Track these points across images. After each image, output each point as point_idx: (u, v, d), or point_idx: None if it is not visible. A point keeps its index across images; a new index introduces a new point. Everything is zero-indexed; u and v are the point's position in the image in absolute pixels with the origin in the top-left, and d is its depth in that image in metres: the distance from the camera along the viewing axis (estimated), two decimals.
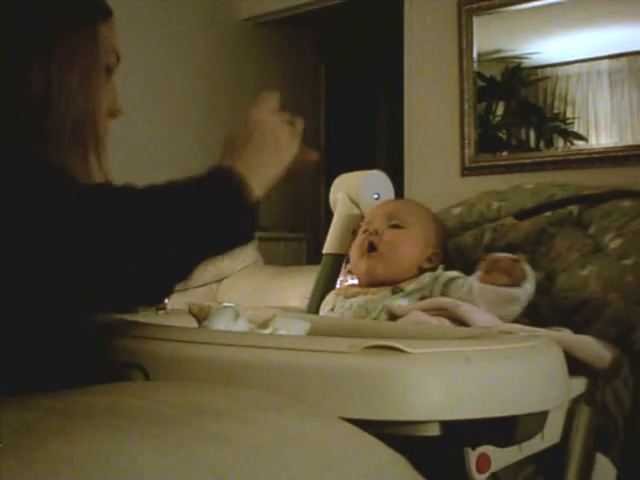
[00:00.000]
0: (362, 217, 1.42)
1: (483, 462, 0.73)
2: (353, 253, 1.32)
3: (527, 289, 1.11)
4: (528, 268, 1.13)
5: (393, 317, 1.12)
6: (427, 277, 1.21)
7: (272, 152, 0.85)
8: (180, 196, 0.76)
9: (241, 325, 0.79)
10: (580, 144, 2.77)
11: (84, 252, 0.68)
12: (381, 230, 1.26)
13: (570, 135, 2.80)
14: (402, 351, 0.61)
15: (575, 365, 0.94)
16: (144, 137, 3.37)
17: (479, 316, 1.04)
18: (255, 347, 0.68)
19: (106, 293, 0.71)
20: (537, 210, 1.37)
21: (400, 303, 1.15)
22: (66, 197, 0.70)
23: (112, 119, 0.88)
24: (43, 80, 0.78)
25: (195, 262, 0.75)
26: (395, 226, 1.27)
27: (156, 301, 0.76)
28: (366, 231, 1.30)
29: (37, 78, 0.78)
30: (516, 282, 1.10)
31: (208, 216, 0.75)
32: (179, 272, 0.75)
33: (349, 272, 1.38)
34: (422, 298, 1.18)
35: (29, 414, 0.53)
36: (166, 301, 1.00)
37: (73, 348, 0.77)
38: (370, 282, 1.26)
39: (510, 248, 1.35)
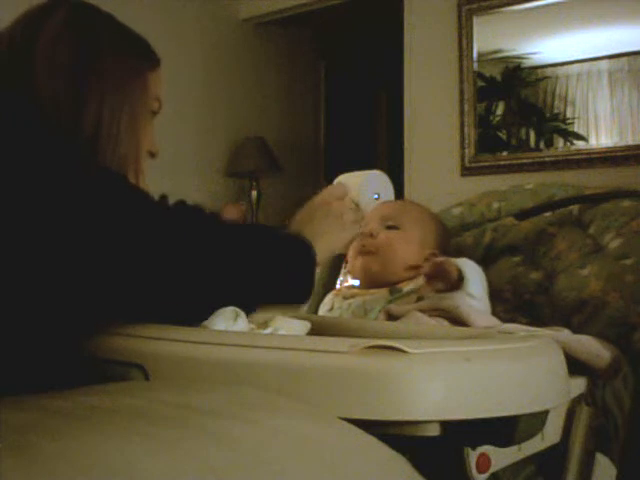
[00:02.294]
0: (362, 217, 1.42)
1: (483, 462, 0.72)
2: (349, 255, 1.32)
3: (467, 291, 1.11)
4: (463, 266, 1.13)
5: (392, 318, 1.12)
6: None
7: (333, 229, 0.93)
8: (262, 234, 0.83)
9: (241, 325, 0.79)
10: (580, 144, 2.77)
11: (164, 266, 0.72)
12: (376, 232, 1.26)
13: (570, 135, 2.80)
14: (402, 351, 0.61)
15: (575, 365, 0.95)
16: None
17: (478, 317, 1.04)
18: (255, 347, 0.68)
19: (159, 305, 0.76)
20: (537, 210, 1.37)
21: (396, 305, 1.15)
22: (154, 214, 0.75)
23: (150, 159, 0.94)
24: (94, 118, 0.83)
25: (251, 298, 0.81)
26: (391, 227, 1.27)
27: (199, 319, 0.80)
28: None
29: (89, 115, 0.82)
30: (454, 285, 1.11)
31: (281, 261, 0.82)
32: (235, 300, 0.80)
33: (349, 272, 1.38)
34: (420, 298, 1.18)
35: (29, 414, 0.53)
36: None
37: (73, 348, 0.77)
38: (366, 280, 1.26)
39: (510, 248, 1.35)
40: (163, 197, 0.80)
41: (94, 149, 0.82)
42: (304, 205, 0.96)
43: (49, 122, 0.79)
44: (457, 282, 1.11)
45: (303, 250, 0.85)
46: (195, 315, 0.78)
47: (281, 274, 0.82)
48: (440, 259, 1.13)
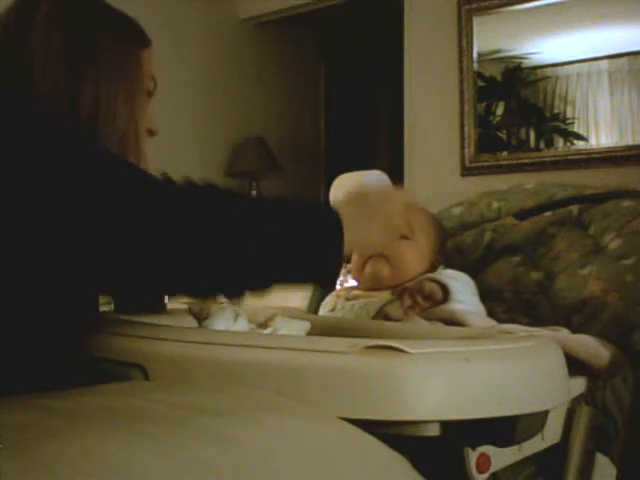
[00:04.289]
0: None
1: (483, 462, 0.72)
2: (355, 260, 1.30)
3: (455, 299, 1.11)
4: (445, 279, 1.13)
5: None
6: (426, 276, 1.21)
7: (379, 223, 0.85)
8: (284, 211, 0.77)
9: (241, 325, 0.78)
10: (580, 144, 2.77)
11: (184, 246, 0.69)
12: None
13: (570, 135, 2.80)
14: (402, 351, 0.61)
15: (575, 365, 0.95)
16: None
17: (475, 319, 1.04)
18: (255, 347, 0.68)
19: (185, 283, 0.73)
20: (537, 210, 1.37)
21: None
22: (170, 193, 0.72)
23: (150, 137, 0.94)
24: (91, 100, 0.82)
25: (270, 277, 0.76)
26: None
27: (234, 296, 0.77)
28: None
29: (86, 98, 0.82)
30: (438, 300, 1.11)
31: (302, 239, 0.76)
32: (252, 279, 0.75)
33: (349, 272, 1.38)
34: None
35: (29, 414, 0.53)
36: (166, 301, 1.01)
37: (74, 348, 0.77)
38: (375, 287, 1.25)
39: (510, 248, 1.35)
40: (163, 175, 0.77)
41: (92, 129, 0.82)
42: (364, 190, 0.88)
43: (47, 113, 0.78)
44: (444, 295, 1.12)
45: (329, 231, 0.77)
46: (205, 293, 0.76)
47: (299, 254, 0.75)
48: (419, 281, 1.14)
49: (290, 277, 0.77)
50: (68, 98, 0.81)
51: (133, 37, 0.90)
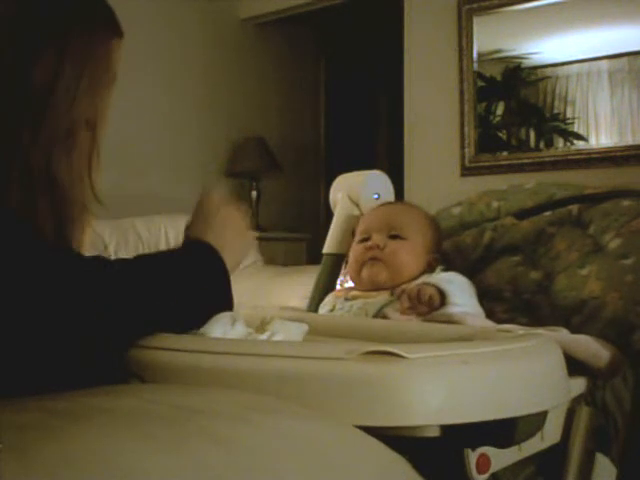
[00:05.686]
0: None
1: (483, 462, 0.73)
2: (352, 263, 1.30)
3: (452, 302, 1.11)
4: (440, 282, 1.13)
5: None
6: (423, 279, 1.21)
7: (236, 239, 0.89)
8: (167, 271, 0.80)
9: (238, 330, 0.78)
10: (580, 144, 2.77)
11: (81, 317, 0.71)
12: (382, 243, 1.25)
13: (570, 135, 2.81)
14: (400, 356, 0.61)
15: (575, 365, 0.95)
16: (144, 137, 3.37)
17: (474, 320, 1.04)
18: (253, 355, 0.67)
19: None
20: (537, 210, 1.37)
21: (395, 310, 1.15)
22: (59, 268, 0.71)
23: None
24: (50, 75, 0.78)
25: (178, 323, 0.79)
26: (395, 236, 1.26)
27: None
28: (364, 240, 1.28)
29: (43, 71, 0.78)
30: (435, 306, 1.11)
31: (193, 288, 0.80)
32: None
33: (352, 280, 1.37)
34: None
35: (29, 415, 0.53)
36: None
37: (74, 352, 0.77)
38: (372, 288, 1.25)
39: (510, 248, 1.35)
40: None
41: (46, 102, 0.78)
42: (194, 213, 0.90)
43: None
44: (441, 300, 1.12)
45: (216, 268, 0.82)
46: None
47: (195, 300, 0.80)
48: (417, 286, 1.14)
49: (191, 317, 0.80)
50: (23, 79, 0.77)
51: (105, 24, 0.86)
